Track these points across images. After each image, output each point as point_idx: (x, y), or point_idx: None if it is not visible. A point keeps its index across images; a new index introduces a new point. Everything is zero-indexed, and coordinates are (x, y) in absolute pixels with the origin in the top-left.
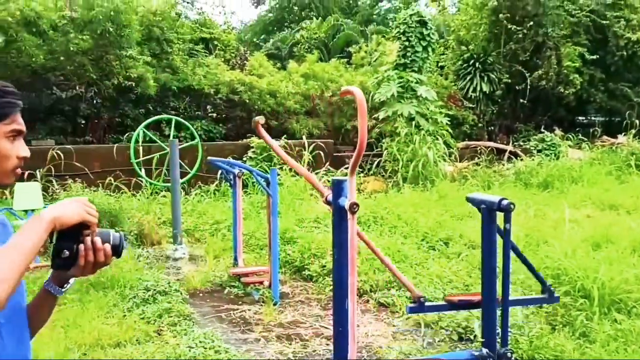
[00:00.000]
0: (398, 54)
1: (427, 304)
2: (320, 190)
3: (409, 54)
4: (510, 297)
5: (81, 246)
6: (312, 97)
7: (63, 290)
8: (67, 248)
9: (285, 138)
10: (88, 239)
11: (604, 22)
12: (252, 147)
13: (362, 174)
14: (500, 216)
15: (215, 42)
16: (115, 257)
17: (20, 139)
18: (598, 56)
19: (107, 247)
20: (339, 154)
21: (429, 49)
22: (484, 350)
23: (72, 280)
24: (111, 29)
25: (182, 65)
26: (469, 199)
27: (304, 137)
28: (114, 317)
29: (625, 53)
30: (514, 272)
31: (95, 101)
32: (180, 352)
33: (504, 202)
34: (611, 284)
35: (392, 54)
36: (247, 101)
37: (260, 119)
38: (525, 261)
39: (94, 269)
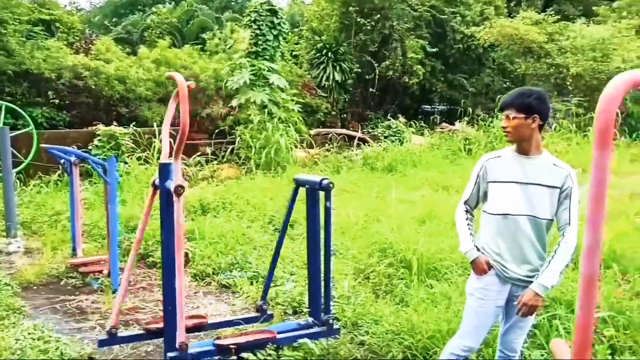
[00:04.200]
0: (250, 42)
1: (120, 334)
2: None
3: (260, 42)
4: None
5: None
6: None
7: None
8: None
9: (134, 125)
10: None
11: (443, 17)
12: (99, 135)
13: (216, 162)
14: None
15: (58, 24)
16: None
17: None
18: (438, 49)
19: None
20: (193, 142)
21: (280, 38)
22: (310, 319)
23: None
24: None
25: (19, 48)
26: (295, 180)
27: (154, 124)
28: None
29: (461, 46)
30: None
31: None
32: (6, 345)
33: (324, 182)
34: (428, 254)
35: (244, 42)
36: (94, 87)
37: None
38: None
39: None
